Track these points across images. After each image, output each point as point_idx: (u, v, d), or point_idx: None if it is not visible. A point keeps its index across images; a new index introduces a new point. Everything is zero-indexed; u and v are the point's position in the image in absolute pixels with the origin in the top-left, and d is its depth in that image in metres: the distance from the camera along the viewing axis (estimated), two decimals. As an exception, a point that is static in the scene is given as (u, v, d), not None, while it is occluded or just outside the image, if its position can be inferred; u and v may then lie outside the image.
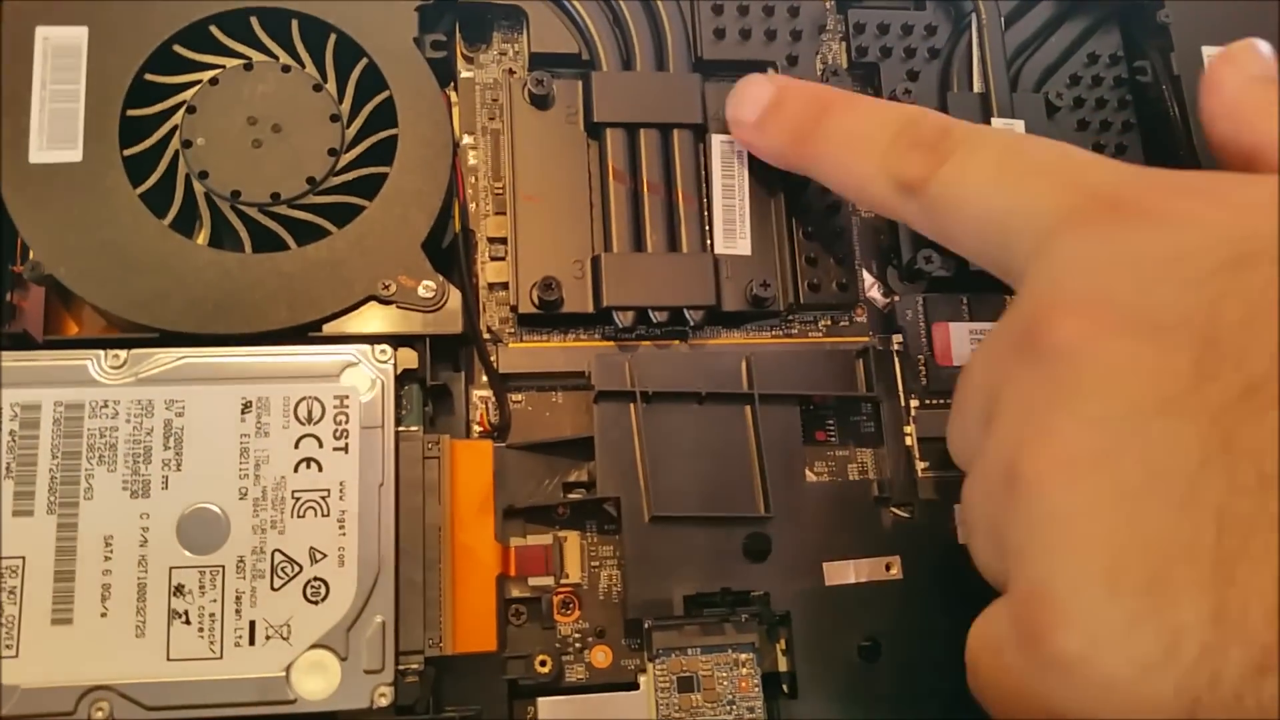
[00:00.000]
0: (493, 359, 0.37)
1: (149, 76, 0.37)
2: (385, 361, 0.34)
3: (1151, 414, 0.22)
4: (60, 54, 0.36)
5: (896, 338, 0.39)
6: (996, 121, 0.40)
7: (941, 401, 0.38)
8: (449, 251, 0.38)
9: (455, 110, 0.40)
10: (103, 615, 0.32)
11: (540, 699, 0.35)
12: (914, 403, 0.38)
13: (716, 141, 0.39)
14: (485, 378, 0.37)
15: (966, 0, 0.42)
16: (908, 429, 0.38)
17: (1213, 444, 0.21)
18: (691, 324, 0.37)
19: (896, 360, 0.39)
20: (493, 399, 0.37)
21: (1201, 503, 0.21)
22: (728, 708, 0.35)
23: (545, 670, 0.35)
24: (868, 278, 0.41)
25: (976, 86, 0.41)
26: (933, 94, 0.41)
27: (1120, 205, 0.26)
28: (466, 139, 0.39)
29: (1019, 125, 0.40)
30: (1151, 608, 0.21)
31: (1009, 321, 0.27)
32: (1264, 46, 0.34)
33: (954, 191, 0.30)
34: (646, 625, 0.35)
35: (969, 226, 0.30)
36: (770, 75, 0.38)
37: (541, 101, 0.38)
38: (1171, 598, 0.21)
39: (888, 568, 0.36)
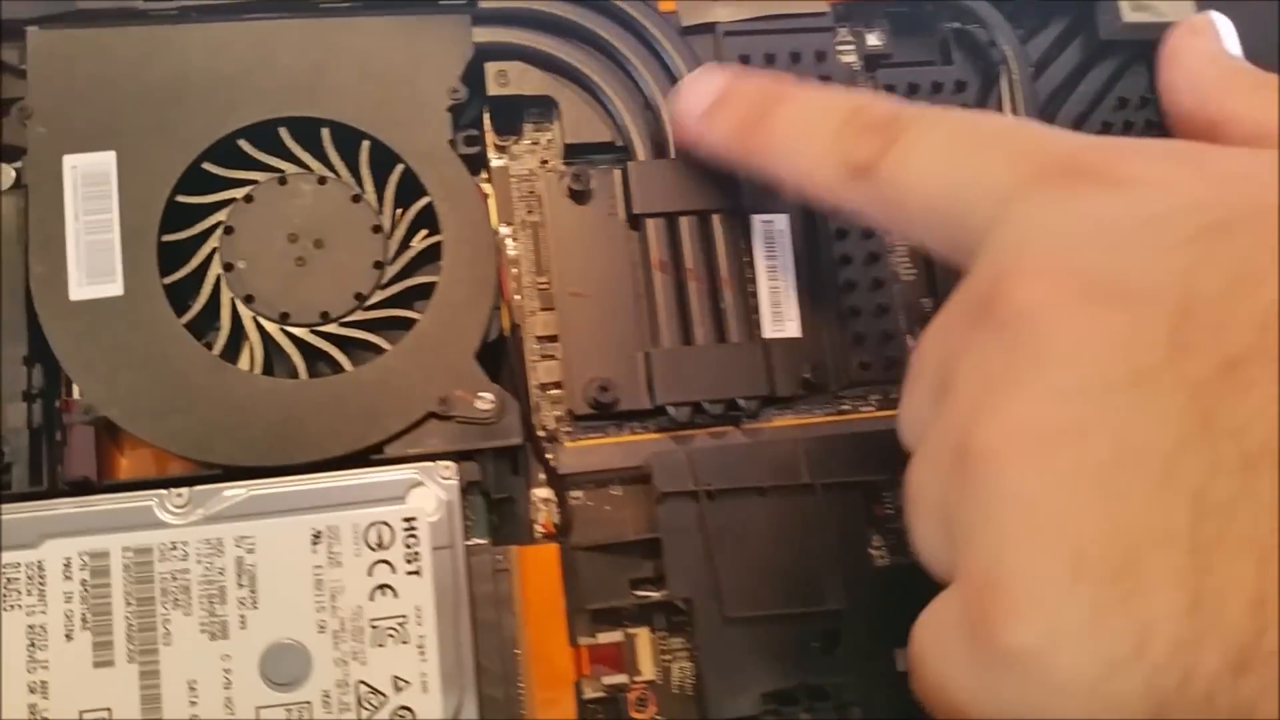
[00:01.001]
0: (550, 457, 0.37)
1: (181, 198, 0.36)
2: (449, 479, 0.35)
3: (1123, 387, 0.21)
4: (90, 182, 0.35)
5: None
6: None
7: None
8: (497, 345, 0.37)
9: (490, 199, 0.39)
10: (194, 761, 0.32)
11: (623, 799, 0.35)
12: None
13: (758, 223, 0.38)
14: (544, 476, 0.37)
15: (995, 49, 0.42)
16: (964, 499, 0.38)
17: (1191, 421, 0.20)
18: (746, 413, 0.37)
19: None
20: (554, 498, 0.37)
21: (1178, 484, 0.20)
22: (807, 791, 0.36)
23: (628, 768, 0.36)
24: (911, 342, 0.41)
25: (1010, 143, 0.41)
26: (966, 152, 0.41)
27: (1083, 170, 0.25)
28: (504, 229, 0.39)
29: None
30: (1119, 598, 0.20)
31: (965, 291, 0.26)
32: (1224, 22, 0.34)
33: (905, 171, 0.29)
34: (723, 720, 0.36)
35: (921, 205, 0.29)
36: (723, 66, 0.37)
37: (580, 196, 0.38)
38: (1143, 587, 0.20)
39: (959, 649, 0.36)
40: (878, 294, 0.39)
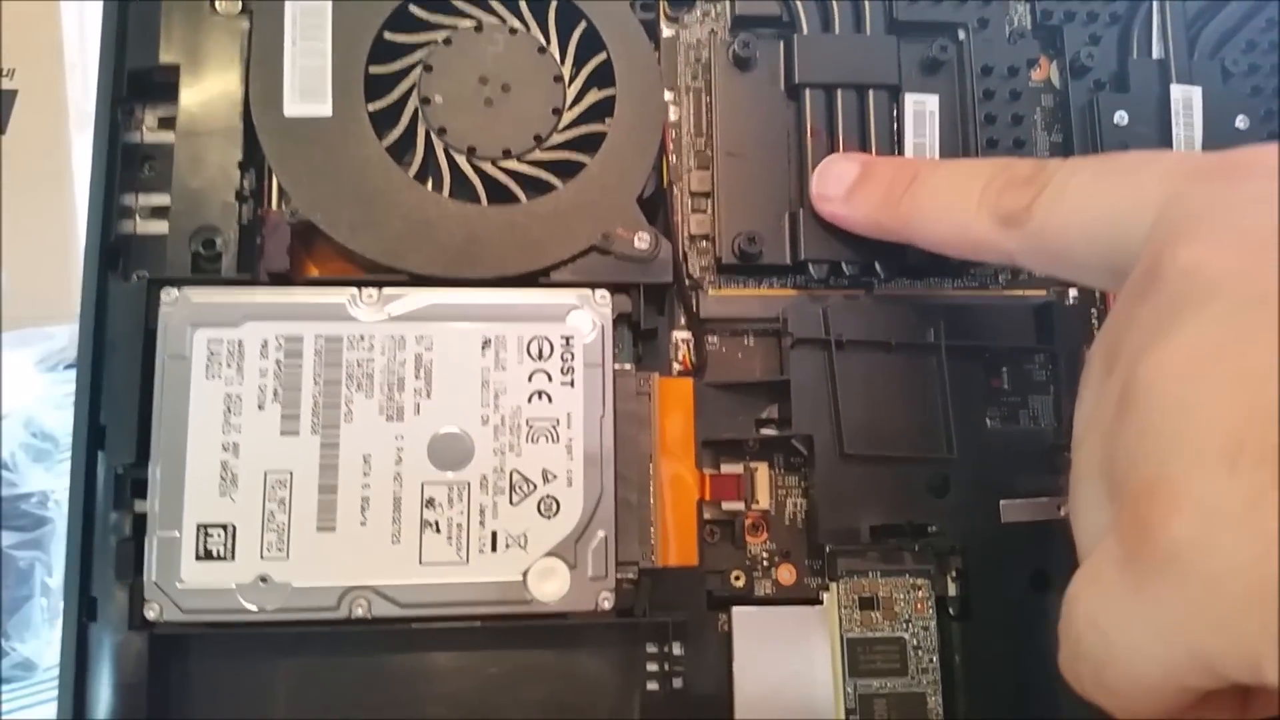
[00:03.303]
0: (693, 302, 0.40)
1: (388, 35, 0.40)
2: (604, 306, 0.38)
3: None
4: (308, 15, 0.39)
5: (1071, 289, 0.42)
6: (1175, 89, 0.42)
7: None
8: (653, 200, 0.41)
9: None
10: (362, 524, 0.36)
11: (734, 608, 0.39)
12: (1087, 351, 0.41)
13: (910, 101, 0.41)
14: (685, 319, 0.41)
15: (1148, -38, 0.44)
16: (1080, 378, 0.41)
17: None
18: (881, 277, 0.40)
19: (1071, 313, 0.42)
20: (692, 340, 0.41)
21: None
22: (904, 625, 0.39)
23: (739, 584, 0.39)
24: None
25: (1155, 52, 0.43)
26: (1112, 58, 0.43)
27: (1230, 169, 0.27)
28: (668, 95, 0.42)
29: (1196, 92, 0.42)
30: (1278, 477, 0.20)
31: (1130, 282, 0.27)
32: None
33: (1058, 211, 0.31)
34: (829, 549, 0.39)
35: (1079, 237, 0.30)
36: (851, 154, 0.40)
37: (745, 64, 0.41)
38: None
39: (1059, 508, 0.39)
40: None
